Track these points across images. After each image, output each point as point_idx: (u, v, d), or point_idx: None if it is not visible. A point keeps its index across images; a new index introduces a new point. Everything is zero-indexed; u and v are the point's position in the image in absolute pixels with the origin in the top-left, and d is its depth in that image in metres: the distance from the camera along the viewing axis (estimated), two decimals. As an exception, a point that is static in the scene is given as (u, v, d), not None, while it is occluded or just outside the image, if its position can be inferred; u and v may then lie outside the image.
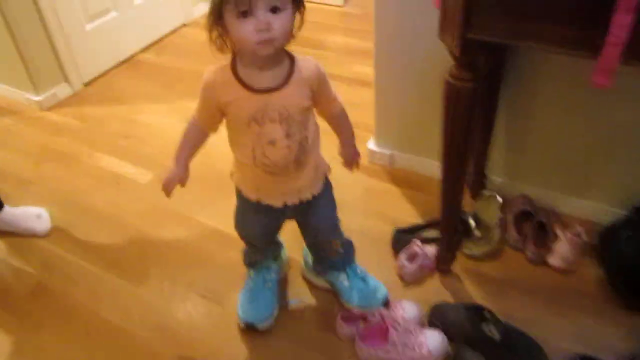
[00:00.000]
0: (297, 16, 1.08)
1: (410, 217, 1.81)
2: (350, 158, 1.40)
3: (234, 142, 1.24)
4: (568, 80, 1.51)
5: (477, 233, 1.67)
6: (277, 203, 1.30)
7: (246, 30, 1.01)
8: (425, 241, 1.65)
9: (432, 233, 1.72)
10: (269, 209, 1.31)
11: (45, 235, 1.85)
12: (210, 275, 1.67)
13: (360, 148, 2.03)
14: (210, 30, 1.07)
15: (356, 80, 2.50)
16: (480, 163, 1.77)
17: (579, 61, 1.07)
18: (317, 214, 1.37)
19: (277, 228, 1.47)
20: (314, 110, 1.25)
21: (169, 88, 2.63)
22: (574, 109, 1.56)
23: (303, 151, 1.22)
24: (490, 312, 1.44)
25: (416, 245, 1.61)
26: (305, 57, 1.17)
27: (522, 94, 1.60)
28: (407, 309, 1.47)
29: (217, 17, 1.04)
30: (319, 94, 1.20)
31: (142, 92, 2.63)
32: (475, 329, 1.40)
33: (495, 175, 1.82)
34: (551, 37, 0.98)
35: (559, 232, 1.62)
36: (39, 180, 2.11)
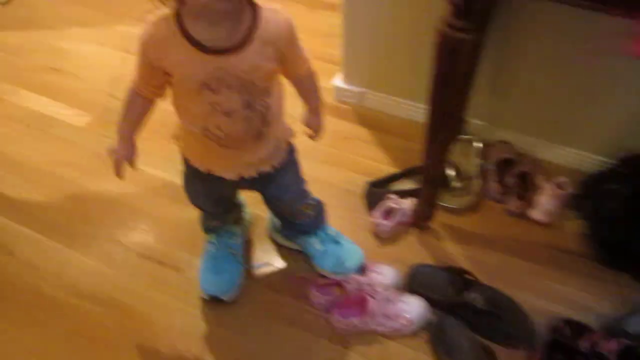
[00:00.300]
0: None
1: (383, 164, 1.66)
2: (315, 127, 1.21)
3: (180, 107, 1.02)
4: (557, 27, 1.34)
5: (456, 184, 1.55)
6: (230, 176, 1.12)
7: None
8: (401, 194, 1.52)
9: (407, 184, 1.59)
10: (221, 179, 1.13)
11: (-30, 194, 1.61)
12: (165, 236, 1.50)
13: (325, 83, 1.88)
14: None
15: (320, 3, 2.23)
16: (461, 107, 1.61)
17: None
18: (279, 186, 1.20)
19: (232, 197, 1.31)
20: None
21: (102, 9, 2.27)
22: (561, 55, 1.40)
23: (265, 122, 1.02)
24: (473, 276, 1.35)
25: (392, 201, 1.48)
26: (273, 8, 0.93)
27: (510, 37, 1.42)
28: (385, 274, 1.37)
29: None
30: (287, 55, 0.98)
31: (69, 13, 2.27)
32: (458, 295, 1.32)
33: (476, 119, 1.68)
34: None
35: (542, 183, 1.52)
36: (-45, 125, 1.82)
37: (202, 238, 1.42)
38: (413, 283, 1.38)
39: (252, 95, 0.96)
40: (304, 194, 1.30)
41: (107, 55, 2.04)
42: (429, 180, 1.36)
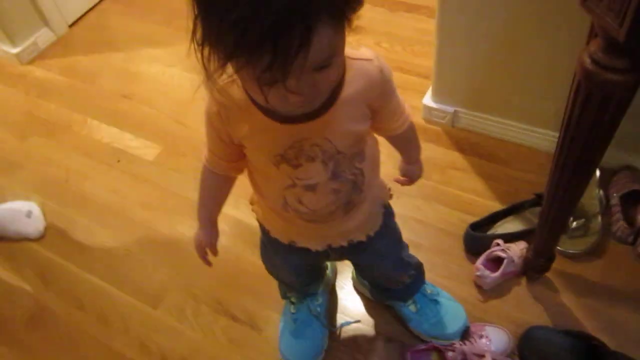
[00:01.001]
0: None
1: (484, 197, 1.44)
2: (413, 176, 1.03)
3: (255, 180, 0.88)
4: None
5: (574, 223, 1.31)
6: (316, 247, 0.95)
7: (274, 97, 0.60)
8: (508, 238, 1.30)
9: (514, 223, 1.37)
10: (305, 250, 0.96)
11: (39, 238, 1.54)
12: (242, 289, 1.36)
13: (412, 100, 1.67)
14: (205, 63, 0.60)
15: (402, 4, 2.01)
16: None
17: None
18: (374, 255, 1.02)
19: (318, 269, 1.19)
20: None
21: (172, 26, 2.16)
22: None
23: (356, 190, 0.85)
24: (600, 342, 1.12)
25: (498, 248, 1.27)
26: (362, 55, 0.73)
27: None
28: (494, 339, 1.16)
29: (220, 63, 0.58)
30: (380, 112, 0.80)
31: (137, 31, 2.18)
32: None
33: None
34: None
35: (683, 221, 1.25)
36: (25, 161, 1.77)
37: (270, 298, 1.27)
38: (526, 349, 1.16)
39: (340, 165, 0.78)
40: (403, 263, 1.11)
41: (174, 76, 1.93)
42: (549, 233, 1.13)
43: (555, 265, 1.27)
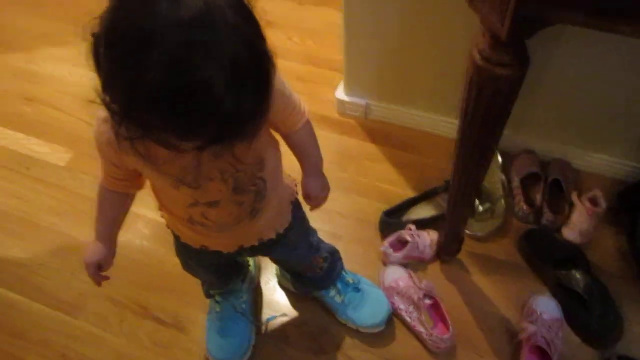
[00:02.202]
0: None
1: (396, 185, 1.51)
2: (318, 191, 1.00)
3: (158, 196, 0.88)
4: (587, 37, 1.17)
5: (480, 208, 1.41)
6: (228, 249, 0.97)
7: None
8: (420, 224, 1.37)
9: (426, 209, 1.44)
10: (217, 252, 0.98)
11: (-57, 253, 1.45)
12: (166, 291, 1.35)
13: (325, 94, 1.71)
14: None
15: (312, -1, 2.05)
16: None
17: None
18: (285, 247, 1.04)
19: (235, 265, 1.20)
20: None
21: (71, 22, 2.05)
22: (595, 52, 1.24)
23: (260, 198, 0.87)
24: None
25: (408, 232, 1.34)
26: None
27: (540, 37, 1.25)
28: (548, 309, 1.22)
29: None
30: (277, 118, 0.84)
31: (36, 29, 2.06)
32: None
33: (495, 128, 1.52)
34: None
35: (574, 199, 1.38)
36: None
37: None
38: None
39: (241, 180, 0.80)
40: (314, 248, 1.14)
41: (81, 76, 1.85)
42: (457, 217, 1.21)
43: (466, 247, 1.36)
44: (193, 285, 1.24)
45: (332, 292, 1.24)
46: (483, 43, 0.82)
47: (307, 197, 1.00)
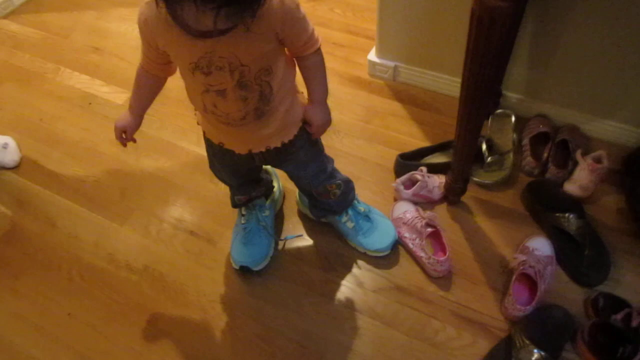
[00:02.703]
0: None
1: (416, 138, 1.65)
2: (318, 120, 1.11)
3: (185, 83, 1.03)
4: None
5: (489, 159, 1.52)
6: (240, 150, 1.13)
7: (188, 15, 0.80)
8: (432, 168, 1.51)
9: (439, 158, 1.57)
10: (233, 152, 1.14)
11: (15, 167, 1.68)
12: (199, 209, 1.54)
13: (359, 58, 1.87)
14: None
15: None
16: (497, 80, 1.57)
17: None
18: (296, 164, 1.20)
19: (250, 171, 1.31)
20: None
21: (141, -12, 2.32)
22: (606, 24, 1.34)
23: (265, 101, 1.00)
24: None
25: (419, 172, 1.47)
26: None
27: (550, 8, 1.37)
28: (541, 247, 1.33)
29: None
30: (286, 36, 0.95)
31: (108, -7, 2.32)
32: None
33: (511, 92, 1.64)
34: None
35: (578, 157, 1.48)
36: (3, 103, 1.89)
37: (233, 212, 1.45)
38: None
39: (246, 76, 0.94)
40: (328, 173, 1.28)
41: (145, 34, 2.08)
42: (461, 154, 1.34)
43: (472, 193, 1.49)
44: (224, 208, 1.42)
45: (344, 219, 1.38)
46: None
47: (307, 123, 1.13)
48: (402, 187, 1.46)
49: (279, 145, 1.12)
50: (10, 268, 1.46)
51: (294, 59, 1.05)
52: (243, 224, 1.39)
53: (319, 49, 1.03)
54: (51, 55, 2.05)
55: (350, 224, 1.38)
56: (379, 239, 1.38)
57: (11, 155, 1.69)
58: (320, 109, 1.11)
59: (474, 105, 1.18)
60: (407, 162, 1.52)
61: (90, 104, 1.85)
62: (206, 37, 0.86)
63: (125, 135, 1.13)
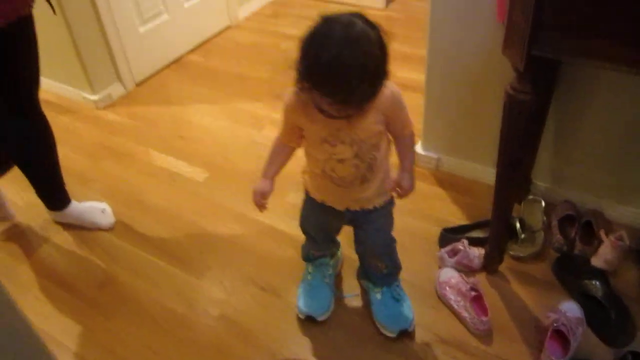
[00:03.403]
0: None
1: (457, 218, 1.89)
2: (406, 186, 1.36)
3: (308, 153, 1.32)
4: (617, 94, 1.58)
5: (522, 235, 1.74)
6: (339, 207, 1.40)
7: (326, 106, 1.09)
8: (472, 241, 1.73)
9: (479, 233, 1.80)
10: (331, 209, 1.40)
11: (110, 229, 1.97)
12: (268, 269, 1.77)
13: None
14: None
15: (401, 86, 2.56)
16: (527, 169, 1.84)
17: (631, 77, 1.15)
18: (374, 227, 1.44)
19: (337, 227, 1.55)
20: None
21: (218, 90, 2.74)
22: (621, 122, 1.63)
23: (370, 170, 1.29)
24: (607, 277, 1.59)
25: (461, 244, 1.69)
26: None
27: (572, 104, 1.67)
28: (571, 310, 1.51)
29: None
30: (392, 119, 1.25)
31: (192, 93, 2.74)
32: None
33: (541, 181, 1.89)
34: (618, 57, 1.05)
35: (602, 235, 1.69)
36: (99, 177, 2.23)
37: (298, 271, 1.68)
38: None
39: (361, 149, 1.23)
40: (389, 249, 1.52)
41: (222, 126, 2.45)
42: (497, 227, 1.57)
43: (508, 265, 1.70)
44: (287, 268, 1.66)
45: (377, 290, 1.57)
46: (513, 78, 1.26)
47: (399, 185, 1.36)
48: (446, 255, 1.68)
49: (371, 207, 1.38)
50: (103, 310, 1.69)
51: (394, 137, 1.33)
52: (310, 279, 1.62)
53: (412, 130, 1.34)
54: (141, 140, 2.41)
55: (379, 296, 1.57)
56: (393, 318, 1.53)
57: (108, 219, 1.98)
58: (409, 176, 1.36)
59: (506, 182, 1.43)
60: (450, 234, 1.75)
61: (174, 180, 2.17)
62: (337, 119, 1.13)
63: (264, 198, 1.36)
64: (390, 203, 1.44)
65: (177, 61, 3.00)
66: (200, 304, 1.68)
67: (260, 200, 1.37)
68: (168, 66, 2.96)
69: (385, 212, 1.44)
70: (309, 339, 1.55)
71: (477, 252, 1.70)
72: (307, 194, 1.45)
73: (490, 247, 1.63)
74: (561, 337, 1.45)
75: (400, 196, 1.39)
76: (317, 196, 1.41)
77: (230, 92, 2.70)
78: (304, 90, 1.09)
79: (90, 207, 2.00)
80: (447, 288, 1.61)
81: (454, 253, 1.70)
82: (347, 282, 1.71)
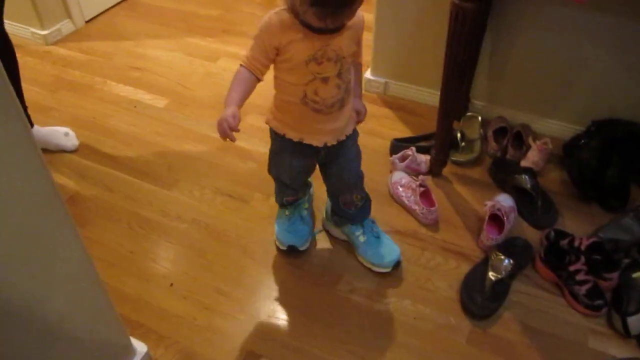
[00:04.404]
0: None
1: (405, 134, 2.08)
2: (363, 110, 1.46)
3: (282, 82, 1.30)
4: (544, 22, 1.81)
5: (462, 144, 1.96)
6: (318, 142, 1.38)
7: (316, 21, 1.14)
8: (419, 150, 1.93)
9: (424, 143, 2.00)
10: (306, 149, 1.39)
11: (75, 151, 2.02)
12: (233, 180, 1.90)
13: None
14: None
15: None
16: (466, 89, 2.05)
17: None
18: (347, 159, 1.47)
19: (312, 169, 1.54)
20: None
21: (169, 26, 2.78)
22: (549, 45, 1.86)
23: (346, 91, 1.32)
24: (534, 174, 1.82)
25: (410, 150, 1.89)
26: None
27: (504, 29, 1.88)
28: (504, 200, 1.73)
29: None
30: (359, 43, 1.32)
31: (144, 29, 2.77)
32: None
33: (478, 100, 2.12)
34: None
35: (530, 142, 1.93)
36: (59, 106, 2.26)
37: (262, 180, 1.80)
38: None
39: (343, 67, 1.26)
40: (361, 181, 1.55)
41: (177, 58, 2.52)
42: (442, 132, 1.77)
43: (450, 169, 1.91)
44: (251, 178, 1.79)
45: (358, 232, 1.61)
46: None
47: (357, 112, 1.44)
48: (397, 161, 1.87)
49: (344, 138, 1.41)
50: (76, 220, 1.75)
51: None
52: (287, 219, 1.65)
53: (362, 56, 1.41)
54: (98, 71, 2.44)
55: (362, 238, 1.60)
56: (384, 255, 1.59)
57: (72, 141, 2.03)
58: (361, 102, 1.47)
59: (451, 81, 1.63)
60: (400, 143, 1.95)
61: (135, 107, 2.23)
62: (324, 34, 1.19)
63: (234, 122, 1.20)
64: (356, 132, 1.47)
65: (126, 0, 3.00)
66: (173, 211, 1.79)
67: (231, 125, 1.20)
68: (118, 4, 2.96)
69: (354, 141, 1.48)
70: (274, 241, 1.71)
71: (424, 158, 1.90)
72: (278, 137, 1.41)
73: (436, 150, 1.84)
74: (497, 221, 1.68)
75: (359, 122, 1.48)
76: (294, 135, 1.37)
77: (182, 28, 2.75)
78: (298, 9, 1.13)
79: (53, 130, 2.04)
80: (399, 187, 1.81)
81: (403, 158, 1.89)
82: (318, 219, 1.78)
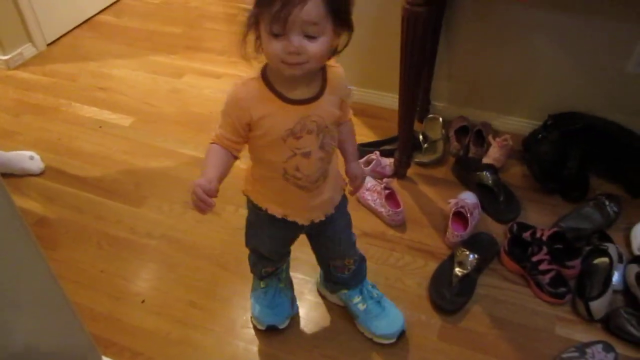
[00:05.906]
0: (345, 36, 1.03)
1: (370, 139, 2.12)
2: (362, 175, 1.27)
3: (259, 159, 1.14)
4: (496, 21, 1.88)
5: (425, 145, 2.01)
6: (304, 221, 1.22)
7: (275, 48, 0.94)
8: (383, 154, 1.97)
9: (388, 148, 2.04)
10: (292, 225, 1.23)
11: (41, 174, 2.01)
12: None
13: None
14: (245, 33, 0.98)
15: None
16: (426, 91, 2.10)
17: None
18: (335, 229, 1.30)
19: (295, 239, 1.37)
20: None
21: (133, 46, 2.79)
22: (502, 44, 1.93)
23: (329, 162, 1.15)
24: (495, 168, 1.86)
25: (374, 154, 1.93)
26: (333, 64, 1.09)
27: (458, 31, 1.95)
28: (468, 197, 1.76)
29: (253, 22, 0.96)
30: (343, 102, 1.14)
31: (107, 50, 2.77)
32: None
33: (438, 102, 2.17)
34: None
35: (490, 140, 1.99)
36: (23, 130, 2.24)
37: (232, 193, 1.81)
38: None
39: (325, 138, 1.09)
40: (352, 245, 1.39)
41: (141, 77, 2.53)
42: (404, 134, 1.82)
43: (415, 170, 1.95)
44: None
45: (357, 299, 1.45)
46: (408, -5, 1.49)
47: (354, 178, 1.26)
48: (362, 165, 1.90)
49: (332, 211, 1.24)
50: (45, 243, 1.76)
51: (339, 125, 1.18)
52: (263, 288, 1.47)
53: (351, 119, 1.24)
54: (62, 94, 2.44)
55: (362, 306, 1.44)
56: (387, 325, 1.43)
57: (37, 165, 2.02)
58: (358, 165, 1.29)
59: (409, 89, 1.67)
60: (364, 148, 1.98)
61: (100, 127, 2.23)
62: (301, 104, 1.04)
63: (211, 195, 1.00)
64: (345, 198, 1.31)
65: (88, 21, 3.00)
66: (142, 228, 1.80)
67: (203, 197, 0.99)
68: (79, 26, 2.95)
69: (344, 209, 1.32)
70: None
71: (388, 161, 1.94)
72: (259, 211, 1.23)
73: (399, 152, 1.88)
74: (461, 218, 1.72)
75: (354, 189, 1.29)
76: (278, 211, 1.20)
77: (146, 47, 2.76)
78: (254, 22, 0.97)
79: (17, 154, 2.03)
80: (365, 191, 1.84)
81: (368, 163, 1.93)
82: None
